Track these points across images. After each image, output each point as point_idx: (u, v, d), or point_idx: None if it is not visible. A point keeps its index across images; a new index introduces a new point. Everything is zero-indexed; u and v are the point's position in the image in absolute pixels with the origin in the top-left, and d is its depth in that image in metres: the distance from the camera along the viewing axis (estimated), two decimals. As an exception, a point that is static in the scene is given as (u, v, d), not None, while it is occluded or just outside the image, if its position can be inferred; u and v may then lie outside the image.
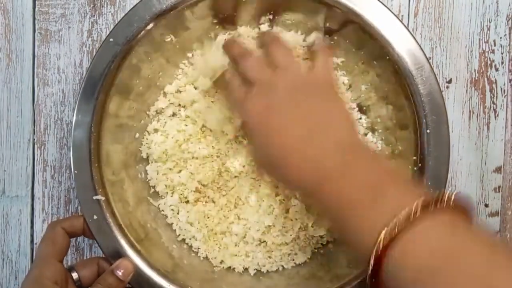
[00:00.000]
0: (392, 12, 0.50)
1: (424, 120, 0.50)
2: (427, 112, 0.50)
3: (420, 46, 0.50)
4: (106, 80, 0.49)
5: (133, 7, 0.50)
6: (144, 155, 0.55)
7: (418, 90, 0.50)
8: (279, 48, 0.49)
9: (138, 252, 0.50)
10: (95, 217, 0.49)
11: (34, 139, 0.57)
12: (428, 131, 0.50)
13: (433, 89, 0.50)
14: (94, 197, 0.49)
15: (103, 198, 0.49)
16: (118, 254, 0.49)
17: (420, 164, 0.50)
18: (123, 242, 0.49)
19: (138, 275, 0.49)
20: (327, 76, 0.49)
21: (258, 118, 0.46)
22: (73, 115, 0.49)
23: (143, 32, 0.50)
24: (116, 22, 0.50)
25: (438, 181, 0.50)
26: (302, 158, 0.43)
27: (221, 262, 0.55)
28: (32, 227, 0.58)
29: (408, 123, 0.51)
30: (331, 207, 0.42)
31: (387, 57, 0.50)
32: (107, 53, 0.49)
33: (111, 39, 0.49)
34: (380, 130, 0.55)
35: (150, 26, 0.50)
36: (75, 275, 0.47)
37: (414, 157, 0.51)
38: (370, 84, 0.54)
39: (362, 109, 0.56)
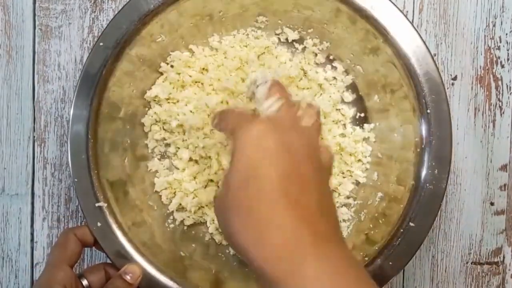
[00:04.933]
0: (397, 7, 0.50)
1: (424, 100, 0.50)
2: (425, 92, 0.50)
3: (415, 28, 0.50)
4: (99, 85, 0.49)
5: (121, 9, 0.49)
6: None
7: (415, 70, 0.50)
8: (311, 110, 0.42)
9: (145, 256, 0.49)
10: (99, 224, 0.49)
11: (34, 137, 0.57)
12: (428, 111, 0.49)
13: (430, 69, 0.50)
14: (96, 204, 0.49)
15: (105, 205, 0.49)
16: (125, 260, 0.49)
17: (423, 145, 0.50)
18: (129, 248, 0.49)
19: (148, 279, 0.49)
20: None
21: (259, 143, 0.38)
22: (68, 125, 0.49)
23: (132, 33, 0.50)
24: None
25: (443, 161, 0.50)
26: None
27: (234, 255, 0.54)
28: (32, 225, 0.57)
29: (408, 105, 0.51)
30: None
31: (385, 43, 0.50)
32: (98, 58, 0.49)
33: (101, 43, 0.49)
34: (378, 123, 0.55)
35: (139, 26, 0.50)
36: (85, 282, 0.47)
37: (417, 139, 0.50)
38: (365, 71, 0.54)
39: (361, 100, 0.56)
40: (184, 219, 0.55)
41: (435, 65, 0.50)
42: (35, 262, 0.57)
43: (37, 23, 0.56)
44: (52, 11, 0.56)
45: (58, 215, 0.57)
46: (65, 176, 0.57)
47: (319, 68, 0.56)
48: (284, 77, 0.54)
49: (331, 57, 0.56)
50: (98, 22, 0.56)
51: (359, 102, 0.56)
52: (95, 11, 0.56)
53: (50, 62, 0.56)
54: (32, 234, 0.57)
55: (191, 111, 0.54)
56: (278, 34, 0.56)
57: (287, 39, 0.56)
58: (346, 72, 0.56)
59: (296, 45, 0.56)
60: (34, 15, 0.56)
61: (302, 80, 0.56)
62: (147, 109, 0.55)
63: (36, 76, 0.57)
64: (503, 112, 0.58)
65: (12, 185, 0.57)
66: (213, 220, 0.55)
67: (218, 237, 0.55)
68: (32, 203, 0.57)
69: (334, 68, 0.56)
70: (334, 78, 0.56)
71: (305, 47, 0.56)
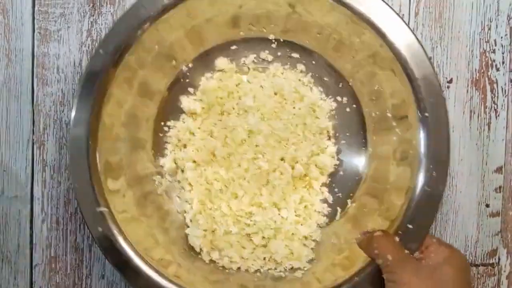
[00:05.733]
0: (394, 10, 0.50)
1: (422, 104, 0.50)
2: (423, 95, 0.50)
3: (412, 31, 0.50)
4: (99, 92, 0.49)
5: (121, 16, 0.50)
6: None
7: (413, 74, 0.50)
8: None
9: (145, 260, 0.50)
10: (99, 229, 0.49)
11: (33, 139, 0.57)
12: (426, 114, 0.50)
13: (428, 72, 0.50)
14: (98, 209, 0.49)
15: (106, 210, 0.49)
16: (126, 264, 0.49)
17: (421, 148, 0.50)
18: (129, 251, 0.49)
19: (148, 282, 0.49)
20: None
21: None
22: (68, 132, 0.49)
23: (132, 40, 0.50)
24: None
25: (441, 163, 0.50)
26: None
27: (231, 262, 0.55)
28: (31, 227, 0.57)
29: (407, 110, 0.51)
30: None
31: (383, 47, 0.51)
32: (98, 64, 0.49)
33: (100, 50, 0.49)
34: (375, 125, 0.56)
35: (139, 33, 0.50)
36: None
37: (414, 141, 0.50)
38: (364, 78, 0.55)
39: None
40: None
41: (433, 68, 0.50)
42: (34, 264, 0.57)
43: (36, 26, 0.57)
44: (51, 14, 0.57)
45: (57, 217, 0.57)
46: (64, 179, 0.57)
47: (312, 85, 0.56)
48: (278, 93, 0.55)
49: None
50: (96, 25, 0.57)
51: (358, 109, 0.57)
52: (93, 15, 0.57)
53: (49, 65, 0.57)
54: (31, 236, 0.57)
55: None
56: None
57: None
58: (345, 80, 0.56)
59: (290, 59, 0.56)
60: (33, 18, 0.57)
61: (294, 95, 0.56)
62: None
63: (35, 79, 0.57)
64: (498, 115, 0.58)
65: (12, 187, 0.57)
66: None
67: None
68: (31, 205, 0.57)
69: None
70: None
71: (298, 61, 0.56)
